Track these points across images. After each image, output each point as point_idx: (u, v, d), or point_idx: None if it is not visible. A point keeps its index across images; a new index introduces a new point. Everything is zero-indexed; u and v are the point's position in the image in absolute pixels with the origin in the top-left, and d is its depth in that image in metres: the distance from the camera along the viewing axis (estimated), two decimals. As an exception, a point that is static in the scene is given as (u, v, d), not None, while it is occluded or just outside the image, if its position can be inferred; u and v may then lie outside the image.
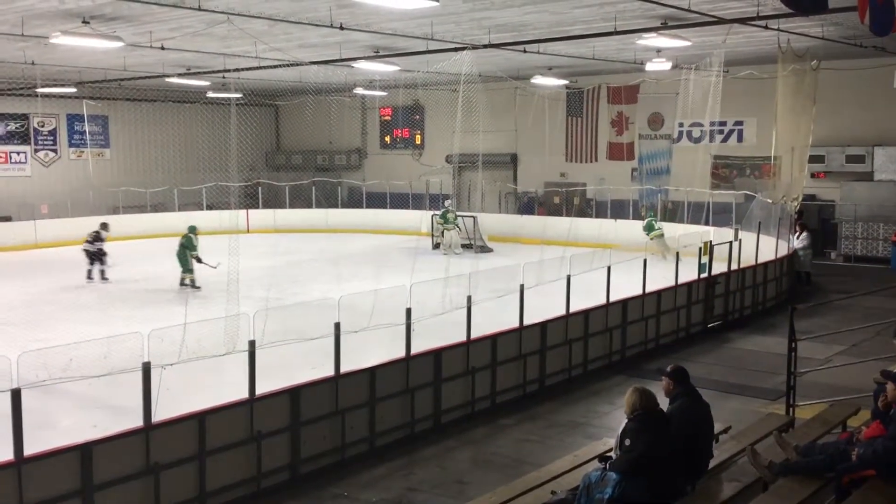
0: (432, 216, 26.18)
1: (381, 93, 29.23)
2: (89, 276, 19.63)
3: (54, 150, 31.30)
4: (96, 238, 19.85)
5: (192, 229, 18.78)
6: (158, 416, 7.56)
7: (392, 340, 9.92)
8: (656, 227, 22.41)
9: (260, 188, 31.32)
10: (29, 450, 6.79)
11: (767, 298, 17.34)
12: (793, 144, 19.32)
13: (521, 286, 11.27)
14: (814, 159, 22.23)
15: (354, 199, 32.23)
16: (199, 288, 18.11)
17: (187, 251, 18.44)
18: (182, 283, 18.46)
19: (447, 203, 26.17)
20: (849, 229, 23.62)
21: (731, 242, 16.23)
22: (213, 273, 16.96)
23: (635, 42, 17.40)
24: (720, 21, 14.61)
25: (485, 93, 20.99)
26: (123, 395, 8.63)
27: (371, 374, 9.40)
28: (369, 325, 9.56)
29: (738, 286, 16.28)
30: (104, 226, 20.31)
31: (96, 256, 19.73)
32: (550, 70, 24.07)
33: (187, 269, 18.40)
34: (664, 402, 6.75)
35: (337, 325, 8.94)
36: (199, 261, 18.13)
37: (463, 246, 24.95)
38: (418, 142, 33.81)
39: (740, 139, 25.97)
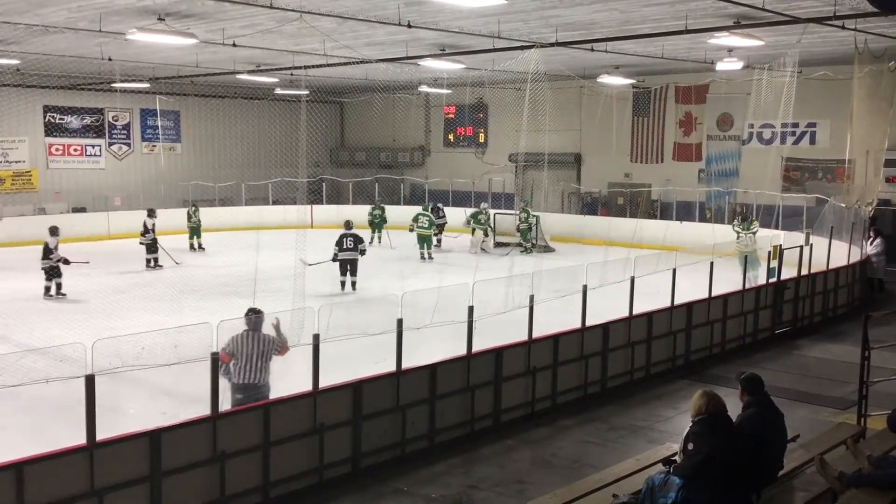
0: (466, 216, 26.15)
1: (446, 91, 29.27)
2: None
3: (128, 144, 32.16)
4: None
5: None
6: (225, 405, 7.71)
7: (453, 338, 9.93)
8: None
9: (324, 184, 31.71)
10: (101, 435, 6.97)
11: (838, 305, 16.89)
12: (868, 147, 18.79)
13: (584, 287, 11.16)
14: (889, 163, 21.51)
15: (417, 197, 32.38)
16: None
17: None
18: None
19: (483, 205, 26.13)
20: (925, 236, 22.83)
21: (801, 247, 15.84)
22: (280, 267, 17.20)
23: (706, 41, 17.12)
24: (795, 20, 14.26)
25: (550, 91, 20.88)
26: (192, 384, 8.81)
27: (432, 371, 9.43)
28: (431, 322, 9.59)
29: (808, 292, 15.88)
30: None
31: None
32: (617, 69, 23.81)
33: None
34: (738, 409, 6.66)
35: (399, 322, 8.98)
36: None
37: (505, 245, 25.18)
38: (482, 140, 33.81)
39: (813, 141, 25.31)
